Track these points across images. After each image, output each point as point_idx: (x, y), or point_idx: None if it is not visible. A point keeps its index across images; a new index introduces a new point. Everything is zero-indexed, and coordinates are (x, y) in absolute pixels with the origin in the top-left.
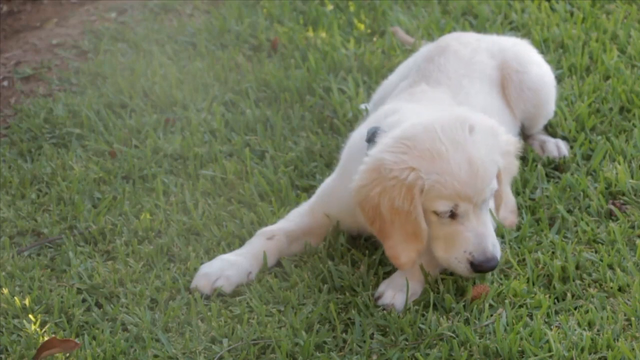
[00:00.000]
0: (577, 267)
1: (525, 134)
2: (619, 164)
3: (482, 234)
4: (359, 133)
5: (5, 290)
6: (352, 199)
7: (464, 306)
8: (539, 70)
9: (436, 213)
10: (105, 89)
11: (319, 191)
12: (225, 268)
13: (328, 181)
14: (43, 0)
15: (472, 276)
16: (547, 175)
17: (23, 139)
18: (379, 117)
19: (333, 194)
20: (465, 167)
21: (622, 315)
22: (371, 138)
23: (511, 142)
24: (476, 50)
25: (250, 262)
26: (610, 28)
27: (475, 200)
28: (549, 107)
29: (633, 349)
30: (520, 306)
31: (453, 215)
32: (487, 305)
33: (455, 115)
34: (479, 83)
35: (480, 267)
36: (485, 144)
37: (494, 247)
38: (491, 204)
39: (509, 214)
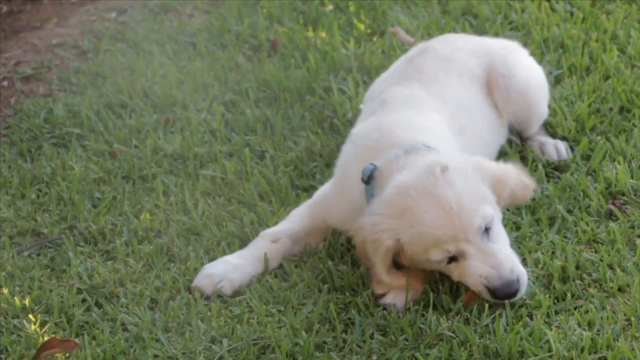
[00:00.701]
0: (577, 267)
1: (524, 137)
2: (619, 164)
3: (495, 262)
4: (352, 143)
5: (5, 290)
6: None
7: (464, 306)
8: (527, 73)
9: (442, 262)
10: (105, 89)
11: (318, 197)
12: (230, 271)
13: (325, 188)
14: (43, 0)
15: (497, 302)
16: (547, 175)
17: (23, 139)
18: (366, 137)
19: (330, 204)
20: (436, 211)
21: (622, 315)
22: (368, 180)
23: (501, 169)
24: (457, 50)
25: (254, 266)
26: (610, 28)
27: (465, 236)
28: (540, 110)
29: (633, 349)
30: (520, 306)
31: (455, 259)
32: (487, 305)
33: (427, 162)
34: (457, 77)
35: (498, 292)
36: (461, 179)
37: (511, 271)
38: None
39: None
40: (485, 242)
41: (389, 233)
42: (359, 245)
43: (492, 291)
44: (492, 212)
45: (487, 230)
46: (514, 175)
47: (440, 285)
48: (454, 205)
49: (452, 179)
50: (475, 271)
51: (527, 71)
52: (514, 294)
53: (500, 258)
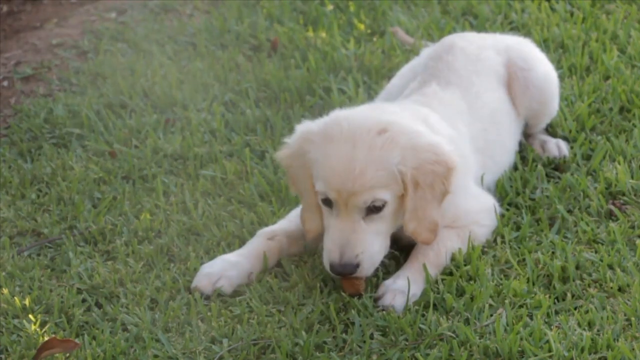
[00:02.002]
0: (577, 267)
1: (526, 133)
2: (619, 164)
3: (337, 237)
4: None
5: (5, 290)
6: (279, 155)
7: (464, 306)
8: (544, 68)
9: (320, 198)
10: (105, 89)
11: None
12: (227, 269)
13: None
14: (43, 0)
15: (334, 275)
16: (547, 175)
17: (23, 139)
18: None
19: None
20: (343, 160)
21: (622, 315)
22: None
23: (440, 161)
24: (483, 47)
25: (252, 263)
26: (610, 28)
27: (344, 197)
28: (553, 105)
29: (633, 349)
30: (520, 306)
31: (329, 203)
32: (487, 305)
33: (385, 117)
34: (487, 79)
35: (333, 268)
36: (386, 150)
37: (354, 256)
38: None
39: (424, 232)
40: (360, 216)
41: (311, 148)
42: (286, 161)
43: (331, 265)
44: (386, 200)
45: (375, 209)
46: (447, 165)
47: (440, 285)
48: (358, 168)
49: (378, 145)
50: (327, 243)
51: (544, 66)
52: (342, 273)
53: (354, 239)
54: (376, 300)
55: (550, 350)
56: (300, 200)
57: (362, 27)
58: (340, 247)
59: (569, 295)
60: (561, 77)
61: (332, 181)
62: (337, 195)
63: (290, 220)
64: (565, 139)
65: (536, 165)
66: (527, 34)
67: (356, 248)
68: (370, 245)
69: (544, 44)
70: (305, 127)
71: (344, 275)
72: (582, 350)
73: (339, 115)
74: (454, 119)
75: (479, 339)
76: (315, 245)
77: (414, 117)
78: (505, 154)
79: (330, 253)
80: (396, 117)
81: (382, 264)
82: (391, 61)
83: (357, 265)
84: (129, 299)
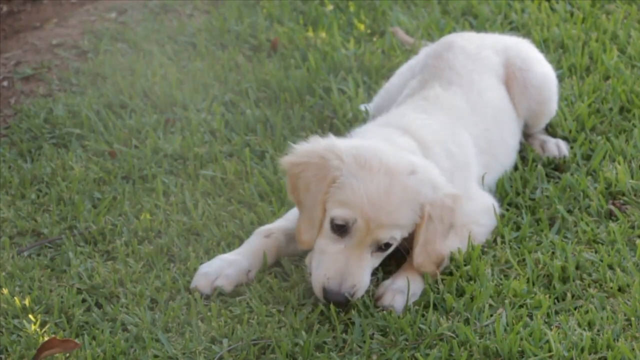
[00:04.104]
0: (577, 267)
1: (526, 134)
2: (619, 164)
3: (341, 266)
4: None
5: (5, 290)
6: (282, 164)
7: (464, 306)
8: (542, 68)
9: (332, 222)
10: (105, 89)
11: None
12: (225, 267)
13: None
14: (43, 0)
15: (322, 301)
16: (547, 175)
17: (23, 139)
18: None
19: None
20: (382, 192)
21: (622, 315)
22: None
23: (450, 196)
24: (482, 46)
25: (250, 261)
26: (610, 28)
27: (372, 227)
28: (552, 105)
29: (633, 349)
30: (520, 306)
31: (344, 231)
32: (487, 305)
33: (410, 158)
34: (488, 78)
35: (328, 294)
36: (412, 189)
37: (351, 287)
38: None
39: (429, 265)
40: (371, 250)
41: (340, 166)
42: (294, 167)
43: (326, 291)
44: (397, 239)
45: (385, 246)
46: (455, 202)
47: (440, 285)
48: (393, 204)
49: (408, 184)
50: (325, 267)
51: (542, 66)
52: (339, 304)
53: (356, 272)
54: (376, 300)
55: (550, 350)
56: (299, 209)
57: (362, 27)
58: (341, 276)
59: (569, 295)
60: (561, 77)
61: (367, 210)
62: (364, 225)
63: (287, 219)
64: (565, 139)
65: (536, 165)
66: (527, 34)
67: (355, 279)
68: (366, 277)
69: (544, 44)
70: (332, 143)
71: (335, 303)
72: (582, 350)
73: (373, 145)
74: (455, 126)
75: (479, 339)
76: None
77: (415, 144)
78: (507, 153)
79: (329, 280)
80: (418, 159)
81: (382, 263)
82: (391, 61)
83: (352, 295)
84: (129, 299)
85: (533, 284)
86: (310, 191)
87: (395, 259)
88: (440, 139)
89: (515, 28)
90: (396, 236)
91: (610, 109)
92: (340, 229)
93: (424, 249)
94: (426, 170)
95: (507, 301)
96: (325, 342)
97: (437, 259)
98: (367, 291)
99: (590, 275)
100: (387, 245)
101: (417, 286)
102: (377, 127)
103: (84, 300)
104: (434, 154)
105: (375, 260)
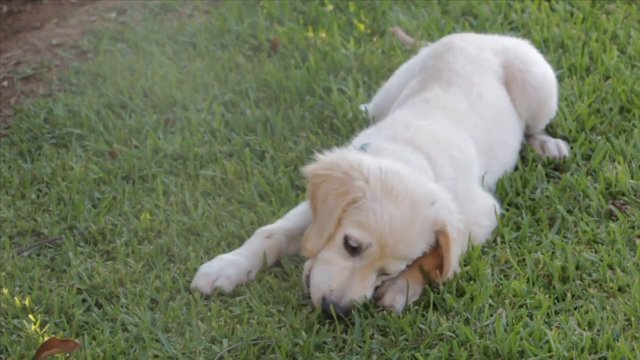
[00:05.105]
0: (577, 267)
1: (526, 134)
2: (619, 164)
3: (345, 280)
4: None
5: (5, 290)
6: (305, 172)
7: (464, 306)
8: (541, 69)
9: (346, 240)
10: (105, 89)
11: None
12: (225, 267)
13: None
14: (43, 0)
15: (318, 308)
16: (547, 175)
17: (23, 139)
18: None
19: None
20: (403, 222)
21: (622, 315)
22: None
23: (462, 220)
24: (481, 48)
25: (250, 261)
26: (610, 28)
27: (387, 254)
28: (552, 106)
29: (633, 349)
30: (520, 306)
31: (356, 252)
32: (487, 305)
33: (431, 187)
34: (489, 79)
35: (326, 305)
36: (430, 220)
37: (350, 302)
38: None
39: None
40: (375, 272)
41: (363, 188)
42: (317, 176)
43: (326, 300)
44: (403, 268)
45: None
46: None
47: (440, 285)
48: (412, 235)
49: (428, 216)
50: (331, 277)
51: (541, 67)
52: (339, 315)
53: (359, 289)
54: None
55: (550, 350)
56: (313, 216)
57: (362, 27)
58: (344, 291)
59: (569, 295)
60: (561, 77)
61: (387, 238)
62: (379, 251)
63: (288, 220)
64: (565, 139)
65: (536, 165)
66: (527, 34)
67: (355, 296)
68: (366, 293)
69: (544, 44)
70: (359, 161)
71: (335, 314)
72: (582, 350)
73: (395, 169)
74: (456, 128)
75: (479, 339)
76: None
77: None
78: (508, 153)
79: (332, 292)
80: (435, 187)
81: None
82: (391, 61)
83: (346, 310)
84: (129, 299)
85: (533, 284)
86: (327, 204)
87: None
88: (444, 148)
89: (515, 28)
90: (403, 267)
91: (610, 109)
92: (352, 249)
93: (452, 268)
94: (442, 197)
95: (507, 301)
96: (325, 342)
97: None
98: None
99: (590, 275)
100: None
101: (417, 286)
102: (387, 143)
103: (84, 300)
104: (440, 166)
105: (377, 281)
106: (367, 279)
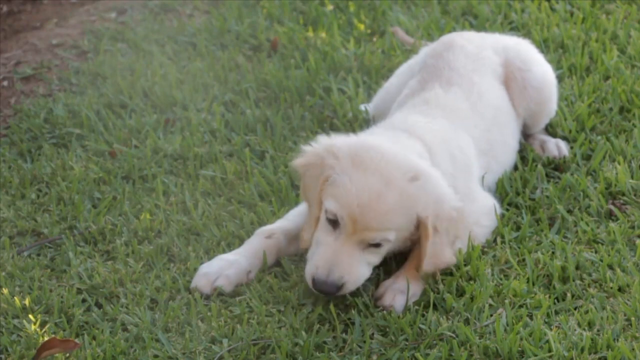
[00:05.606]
0: (577, 267)
1: (525, 134)
2: (619, 164)
3: (330, 256)
4: None
5: (5, 290)
6: (293, 167)
7: (464, 306)
8: (542, 68)
9: (326, 214)
10: (105, 89)
11: None
12: (225, 267)
13: None
14: (43, 0)
15: (314, 290)
16: (547, 175)
17: (23, 139)
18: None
19: None
20: (371, 194)
21: (622, 315)
22: None
23: (456, 209)
24: (481, 46)
25: (250, 261)
26: (610, 28)
27: (358, 227)
28: (551, 106)
29: (633, 349)
30: (520, 306)
31: (336, 224)
32: (487, 305)
33: (416, 162)
34: (489, 78)
35: (316, 283)
36: (410, 197)
37: (339, 278)
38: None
39: (437, 270)
40: (361, 246)
41: (334, 165)
42: (304, 168)
43: (314, 281)
44: (391, 240)
45: (377, 244)
46: (461, 215)
47: (440, 285)
48: (382, 207)
49: (406, 190)
50: (316, 258)
51: (542, 67)
52: (327, 293)
53: (345, 264)
54: (376, 300)
55: (550, 350)
56: (308, 209)
57: (362, 27)
58: (330, 266)
59: (569, 295)
60: (561, 77)
61: (353, 210)
62: (350, 223)
63: (288, 220)
64: (565, 139)
65: (536, 165)
66: (527, 34)
67: (344, 271)
68: (358, 272)
69: (544, 44)
70: (332, 141)
71: (324, 293)
72: (582, 350)
73: (373, 145)
74: (457, 128)
75: (479, 339)
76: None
77: (420, 145)
78: (507, 153)
79: (317, 269)
80: (425, 166)
81: (382, 263)
82: (391, 61)
83: (340, 287)
84: (129, 299)
85: (533, 284)
86: (310, 190)
87: (395, 259)
88: (443, 143)
89: (515, 28)
90: (388, 237)
91: (610, 109)
92: (333, 222)
93: (432, 260)
94: (431, 179)
95: (507, 301)
96: (325, 342)
97: (445, 267)
98: (367, 290)
99: (590, 275)
100: (379, 244)
101: (417, 286)
102: (383, 130)
103: (84, 300)
104: (440, 157)
105: (370, 256)
106: (353, 255)
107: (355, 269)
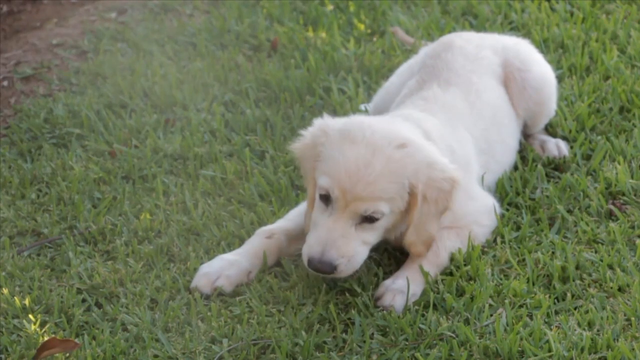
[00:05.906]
0: (577, 267)
1: (525, 134)
2: (619, 164)
3: (324, 235)
4: None
5: (5, 290)
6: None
7: (464, 306)
8: (541, 68)
9: (319, 192)
10: (105, 89)
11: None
12: (225, 267)
13: None
14: (43, 0)
15: (310, 270)
16: (547, 175)
17: (23, 139)
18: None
19: None
20: (360, 164)
21: (622, 315)
22: None
23: (447, 178)
24: (481, 46)
25: (251, 262)
26: (610, 28)
27: (348, 199)
28: (551, 106)
29: (633, 349)
30: (520, 306)
31: (329, 200)
32: (487, 305)
33: (405, 133)
34: (488, 79)
35: (310, 262)
36: (397, 162)
37: (334, 257)
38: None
39: (419, 244)
40: (354, 222)
41: (324, 141)
42: (299, 151)
43: (309, 260)
44: (385, 213)
45: (370, 219)
46: (452, 184)
47: (440, 285)
48: (371, 176)
49: (395, 159)
50: (311, 238)
51: (541, 67)
52: (320, 271)
53: (340, 242)
54: (376, 300)
55: (550, 350)
56: (307, 192)
57: (362, 27)
58: (324, 245)
59: (569, 295)
60: (561, 77)
61: (342, 181)
62: (340, 196)
63: (289, 220)
64: (565, 139)
65: (536, 165)
66: (527, 34)
67: (339, 251)
68: (353, 252)
69: (544, 44)
70: (324, 121)
71: (320, 272)
72: (582, 350)
73: (363, 120)
74: (455, 124)
75: (479, 339)
76: None
77: (418, 130)
78: (507, 153)
79: (311, 248)
80: (414, 135)
81: (382, 263)
82: (391, 61)
83: (335, 267)
84: (129, 299)
85: (533, 284)
86: (306, 171)
87: (395, 258)
88: (442, 135)
89: (515, 28)
90: (382, 209)
91: (610, 109)
92: (325, 199)
93: (415, 228)
94: (421, 148)
95: (507, 301)
96: (325, 342)
97: (428, 239)
98: (367, 290)
99: (590, 275)
100: (373, 218)
101: (417, 286)
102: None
103: (84, 300)
104: (438, 147)
105: (365, 234)
106: (348, 232)
107: (350, 247)
